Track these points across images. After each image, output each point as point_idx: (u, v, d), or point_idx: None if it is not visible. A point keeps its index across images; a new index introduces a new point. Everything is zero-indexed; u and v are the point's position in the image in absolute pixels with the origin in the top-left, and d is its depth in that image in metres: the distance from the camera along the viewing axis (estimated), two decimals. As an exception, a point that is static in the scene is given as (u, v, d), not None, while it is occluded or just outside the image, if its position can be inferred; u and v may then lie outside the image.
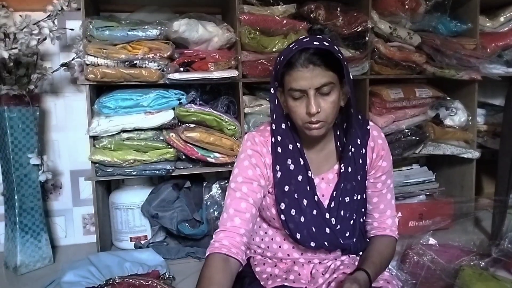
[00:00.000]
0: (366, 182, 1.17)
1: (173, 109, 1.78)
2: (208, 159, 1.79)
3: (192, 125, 1.78)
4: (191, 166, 1.85)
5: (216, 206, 1.88)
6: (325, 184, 1.15)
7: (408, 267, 1.57)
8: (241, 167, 1.12)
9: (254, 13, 1.86)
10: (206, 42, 1.81)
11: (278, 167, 1.11)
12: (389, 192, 1.19)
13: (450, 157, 2.20)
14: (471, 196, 2.22)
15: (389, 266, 1.37)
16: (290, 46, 1.04)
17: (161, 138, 1.78)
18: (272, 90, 1.11)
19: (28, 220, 1.74)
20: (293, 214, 1.10)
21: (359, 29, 1.94)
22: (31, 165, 1.73)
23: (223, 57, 1.80)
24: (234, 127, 1.80)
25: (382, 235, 1.19)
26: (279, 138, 1.12)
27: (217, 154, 1.80)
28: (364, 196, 1.18)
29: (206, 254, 1.05)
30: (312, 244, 1.11)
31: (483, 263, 1.58)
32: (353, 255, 1.20)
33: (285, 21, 1.86)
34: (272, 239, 1.20)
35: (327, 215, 1.11)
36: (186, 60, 1.77)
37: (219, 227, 1.07)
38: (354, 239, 1.15)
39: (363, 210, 1.19)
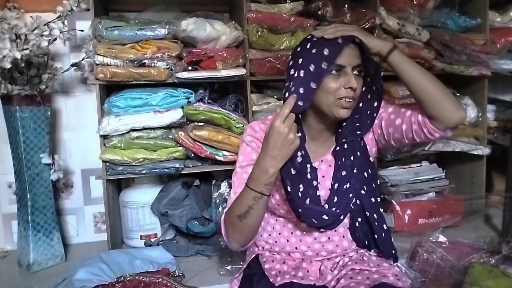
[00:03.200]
0: (383, 122, 1.20)
1: (182, 108, 1.79)
2: (217, 157, 1.80)
3: (200, 124, 1.79)
4: (200, 164, 1.86)
5: (225, 204, 1.88)
6: (324, 166, 1.19)
7: (418, 265, 1.57)
8: (244, 153, 1.19)
9: (261, 11, 1.86)
10: (214, 41, 1.82)
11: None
12: (394, 109, 1.21)
13: (460, 154, 2.18)
14: (481, 193, 2.20)
15: (398, 263, 1.37)
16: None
17: (170, 136, 1.79)
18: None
19: (40, 218, 1.76)
20: (300, 196, 1.12)
21: (367, 26, 1.93)
22: (43, 164, 1.75)
23: (231, 55, 1.80)
24: (242, 125, 1.80)
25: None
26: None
27: (225, 152, 1.81)
28: (366, 173, 1.19)
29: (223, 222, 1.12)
30: (315, 221, 1.12)
31: (493, 261, 1.56)
32: (362, 251, 1.21)
33: (292, 19, 1.86)
34: (279, 233, 1.22)
35: (328, 196, 1.15)
36: (194, 59, 1.78)
37: (226, 208, 1.14)
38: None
39: (369, 186, 1.19)
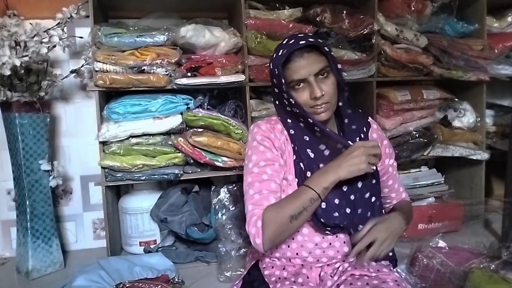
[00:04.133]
0: (378, 168, 1.24)
1: (181, 114, 1.79)
2: (216, 163, 1.80)
3: (199, 130, 1.80)
4: (199, 170, 1.86)
5: (224, 210, 1.88)
6: None
7: (418, 270, 1.57)
8: (257, 152, 1.17)
9: (260, 17, 1.87)
10: (213, 47, 1.83)
11: (300, 157, 1.17)
12: (395, 171, 1.34)
13: (459, 159, 2.18)
14: (480, 198, 2.20)
15: (398, 269, 1.37)
16: (280, 52, 1.13)
17: (169, 142, 1.79)
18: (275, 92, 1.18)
19: (39, 225, 1.76)
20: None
21: (365, 32, 1.95)
22: (42, 171, 1.75)
23: (230, 61, 1.81)
24: (241, 131, 1.81)
25: (400, 200, 1.36)
26: (291, 131, 1.18)
27: (225, 158, 1.81)
28: (374, 180, 1.21)
29: (259, 224, 1.08)
30: (335, 222, 1.13)
31: (493, 266, 1.56)
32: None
33: (291, 25, 1.87)
34: None
35: (350, 196, 1.15)
36: (193, 65, 1.78)
37: (254, 209, 1.10)
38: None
39: (377, 193, 1.22)
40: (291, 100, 1.13)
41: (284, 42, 1.16)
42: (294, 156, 1.18)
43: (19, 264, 1.78)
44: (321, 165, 1.15)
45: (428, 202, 2.14)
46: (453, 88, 2.24)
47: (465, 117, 2.21)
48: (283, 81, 1.12)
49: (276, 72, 1.13)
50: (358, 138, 1.21)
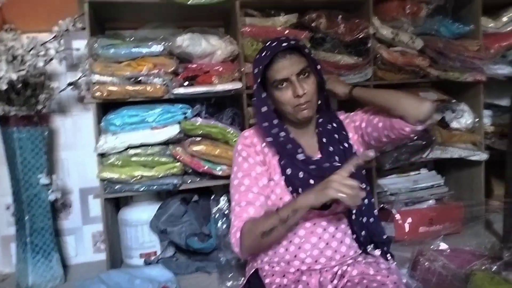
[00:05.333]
0: (363, 123, 1.32)
1: (179, 123, 1.79)
2: (215, 172, 1.80)
3: (198, 139, 1.79)
4: (198, 179, 1.85)
5: (224, 219, 1.88)
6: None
7: (420, 274, 1.56)
8: (237, 163, 1.27)
9: (256, 24, 1.88)
10: (210, 56, 1.83)
11: (280, 158, 1.24)
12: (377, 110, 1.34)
13: (458, 160, 2.18)
14: (481, 199, 2.19)
15: (400, 269, 1.37)
16: (263, 54, 1.21)
17: (168, 152, 1.79)
18: (257, 95, 1.25)
19: (39, 240, 1.75)
20: (301, 177, 1.21)
21: (361, 36, 1.95)
22: (41, 185, 1.74)
23: (226, 69, 1.81)
24: (239, 139, 1.80)
25: None
26: (273, 131, 1.23)
27: (223, 167, 1.81)
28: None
29: (237, 235, 1.18)
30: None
31: (495, 267, 1.56)
32: (359, 258, 1.20)
33: (287, 31, 1.87)
34: (278, 243, 1.22)
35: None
36: (190, 74, 1.78)
37: (234, 220, 1.19)
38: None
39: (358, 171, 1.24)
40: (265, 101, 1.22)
41: (267, 44, 1.23)
42: (278, 155, 1.25)
43: (19, 280, 1.77)
44: (298, 156, 1.23)
45: (428, 204, 2.14)
46: (450, 89, 2.24)
47: (463, 118, 2.20)
48: (258, 80, 1.20)
49: (256, 72, 1.21)
50: (336, 135, 1.29)
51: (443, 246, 1.68)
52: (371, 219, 1.27)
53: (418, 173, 2.24)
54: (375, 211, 1.30)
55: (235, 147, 1.30)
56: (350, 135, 1.33)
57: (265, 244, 1.17)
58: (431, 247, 1.66)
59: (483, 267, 1.56)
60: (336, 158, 1.24)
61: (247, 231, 1.15)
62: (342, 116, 1.39)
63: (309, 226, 1.20)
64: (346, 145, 1.29)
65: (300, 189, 1.18)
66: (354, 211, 1.22)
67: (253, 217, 1.17)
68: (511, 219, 1.84)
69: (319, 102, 1.28)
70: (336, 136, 1.30)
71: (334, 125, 1.32)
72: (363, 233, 1.23)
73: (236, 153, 1.28)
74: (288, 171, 1.21)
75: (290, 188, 1.20)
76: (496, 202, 2.17)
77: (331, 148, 1.26)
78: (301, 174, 1.21)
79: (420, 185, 2.16)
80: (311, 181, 1.19)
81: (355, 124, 1.34)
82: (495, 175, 2.40)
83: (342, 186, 1.04)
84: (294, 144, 1.24)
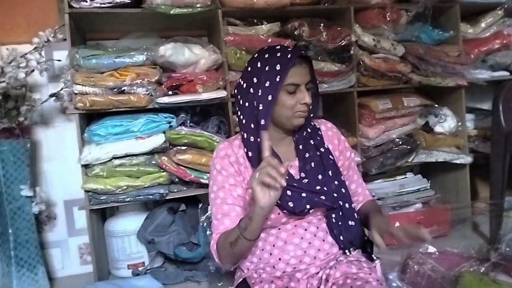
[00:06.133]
0: (344, 173, 1.33)
1: (164, 132, 1.78)
2: (202, 180, 1.79)
3: (183, 148, 1.79)
4: (185, 188, 1.84)
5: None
6: (294, 171, 1.26)
7: (409, 277, 1.57)
8: (212, 177, 1.27)
9: (239, 33, 1.89)
10: (193, 65, 1.83)
11: (252, 163, 1.24)
12: (356, 167, 1.43)
13: (443, 163, 2.20)
14: (467, 201, 2.22)
15: (390, 277, 1.37)
16: (288, 55, 1.20)
17: (153, 162, 1.78)
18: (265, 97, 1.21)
19: (24, 253, 1.72)
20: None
21: (343, 43, 1.97)
22: (24, 197, 1.71)
23: (211, 78, 1.81)
24: (225, 147, 1.80)
25: (368, 200, 1.41)
26: (251, 138, 1.23)
27: (210, 175, 1.80)
28: (332, 167, 1.28)
29: (214, 248, 1.20)
30: (301, 207, 1.19)
31: (483, 268, 1.57)
32: (341, 258, 1.21)
33: (270, 40, 1.89)
34: (262, 249, 1.23)
35: (304, 181, 1.23)
36: (174, 84, 1.78)
37: (212, 233, 1.22)
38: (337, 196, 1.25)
39: (338, 177, 1.28)
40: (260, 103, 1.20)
41: (286, 47, 1.24)
42: (251, 164, 1.25)
43: (3, 295, 1.73)
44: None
45: (415, 208, 2.15)
46: (433, 94, 2.27)
47: (446, 122, 2.24)
48: (277, 77, 1.18)
49: (278, 68, 1.18)
50: (311, 141, 1.31)
51: (431, 249, 1.68)
52: (351, 222, 1.26)
53: (405, 177, 2.25)
54: (355, 215, 1.29)
55: (212, 161, 1.30)
56: (331, 147, 1.34)
57: (238, 254, 1.17)
58: (420, 250, 1.67)
59: (471, 269, 1.58)
60: (312, 164, 1.26)
61: (221, 243, 1.17)
62: (323, 126, 1.40)
63: (291, 228, 1.22)
64: (322, 149, 1.30)
65: (278, 201, 1.15)
66: (333, 215, 1.23)
67: (228, 228, 1.18)
68: (497, 221, 1.86)
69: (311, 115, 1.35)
70: (311, 142, 1.31)
71: (309, 130, 1.34)
72: (341, 237, 1.23)
73: (211, 167, 1.29)
74: None
75: (277, 202, 1.16)
76: (482, 204, 2.19)
77: (307, 154, 1.28)
78: None
79: (407, 189, 2.17)
80: (288, 192, 1.19)
81: (340, 156, 1.36)
82: (480, 178, 2.44)
83: (262, 175, 1.01)
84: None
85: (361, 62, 2.02)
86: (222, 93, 1.80)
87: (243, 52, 1.85)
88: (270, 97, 1.19)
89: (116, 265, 1.87)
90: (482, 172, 2.29)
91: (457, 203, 2.23)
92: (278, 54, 1.22)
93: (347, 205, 1.25)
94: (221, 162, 1.26)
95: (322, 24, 1.97)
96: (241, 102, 1.25)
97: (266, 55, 1.24)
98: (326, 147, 1.32)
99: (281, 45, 1.26)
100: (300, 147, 1.29)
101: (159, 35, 2.02)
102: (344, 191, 1.26)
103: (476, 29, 2.32)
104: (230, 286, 1.61)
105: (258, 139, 1.21)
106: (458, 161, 2.19)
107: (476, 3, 2.23)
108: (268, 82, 1.20)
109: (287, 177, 1.18)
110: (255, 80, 1.22)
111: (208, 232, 1.86)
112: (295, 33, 1.94)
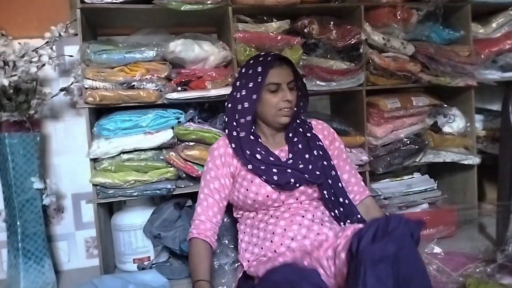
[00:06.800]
0: (335, 162, 1.48)
1: (172, 128, 1.79)
2: (209, 176, 1.79)
3: (191, 143, 1.79)
4: (192, 184, 1.85)
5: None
6: (283, 154, 1.45)
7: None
8: (203, 176, 1.51)
9: (248, 30, 1.88)
10: (203, 61, 1.83)
11: (244, 155, 1.40)
12: (349, 160, 1.59)
13: (451, 164, 2.19)
14: (474, 202, 2.20)
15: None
16: (268, 57, 1.42)
17: (161, 157, 1.79)
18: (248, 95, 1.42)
19: (31, 245, 1.73)
20: (263, 168, 1.37)
21: (353, 42, 1.96)
22: (33, 190, 1.73)
23: (220, 75, 1.82)
24: (233, 143, 1.80)
25: (366, 197, 1.54)
26: (233, 133, 1.45)
27: (217, 171, 1.80)
28: (321, 151, 1.45)
29: (189, 238, 1.43)
30: (285, 181, 1.34)
31: (489, 270, 1.56)
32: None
33: (279, 37, 1.89)
34: (263, 239, 1.34)
35: (289, 162, 1.40)
36: (183, 80, 1.79)
37: (194, 218, 1.44)
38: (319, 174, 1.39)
39: (328, 161, 1.45)
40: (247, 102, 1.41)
41: (261, 55, 1.46)
42: (245, 159, 1.40)
43: (10, 286, 1.74)
44: (258, 157, 1.39)
45: (422, 208, 2.14)
46: (442, 94, 2.26)
47: (455, 123, 2.22)
48: (259, 78, 1.37)
49: (260, 70, 1.38)
50: (300, 129, 1.49)
51: (437, 249, 1.68)
52: (346, 200, 1.41)
53: (412, 177, 2.24)
54: (347, 194, 1.45)
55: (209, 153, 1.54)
56: (320, 136, 1.50)
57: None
58: (426, 250, 1.66)
59: (477, 270, 1.57)
60: (300, 146, 1.43)
61: (190, 247, 1.42)
62: (316, 122, 1.56)
63: (288, 216, 1.33)
64: (309, 134, 1.47)
65: (264, 176, 1.35)
66: (325, 192, 1.38)
67: (198, 215, 1.43)
68: (504, 223, 1.85)
69: (302, 111, 1.54)
70: (300, 129, 1.48)
71: (298, 121, 1.50)
72: (337, 211, 1.37)
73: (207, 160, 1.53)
74: (250, 166, 1.37)
75: (258, 174, 1.36)
76: (489, 206, 2.18)
77: (295, 139, 1.45)
78: (262, 167, 1.37)
79: (414, 189, 2.16)
80: (274, 169, 1.36)
81: (330, 146, 1.52)
82: (488, 179, 2.42)
83: None
84: (254, 144, 1.42)
85: (370, 61, 2.01)
86: (230, 90, 1.80)
87: (253, 49, 1.85)
88: (254, 96, 1.38)
89: (122, 259, 1.89)
90: (490, 174, 2.27)
91: (464, 204, 2.22)
92: (260, 59, 1.41)
93: (338, 184, 1.41)
94: (211, 154, 1.48)
95: (332, 22, 1.96)
96: (227, 105, 1.49)
97: (251, 61, 1.44)
98: (314, 133, 1.47)
99: (265, 53, 1.46)
100: (290, 134, 1.47)
101: (169, 31, 2.02)
102: (333, 173, 1.42)
103: (487, 29, 2.30)
104: (234, 282, 1.62)
105: (236, 133, 1.43)
106: (466, 162, 2.18)
107: (487, 3, 2.21)
108: (251, 83, 1.39)
109: (272, 158, 1.39)
110: (237, 83, 1.45)
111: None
112: (305, 30, 1.93)
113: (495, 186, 2.03)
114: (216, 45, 1.85)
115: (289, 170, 1.35)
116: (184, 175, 1.81)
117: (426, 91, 2.29)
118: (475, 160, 2.18)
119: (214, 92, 1.78)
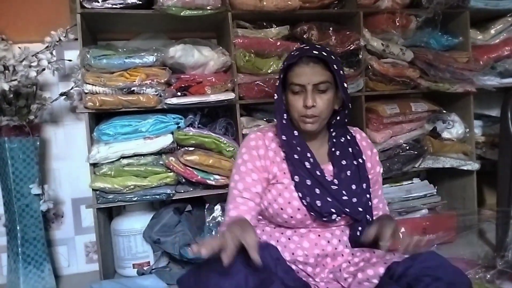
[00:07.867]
0: (370, 176, 1.27)
1: (172, 133, 1.79)
2: (208, 181, 1.80)
3: (191, 149, 1.80)
4: (191, 189, 1.85)
5: (218, 228, 1.87)
6: (326, 175, 1.22)
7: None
8: (236, 166, 1.24)
9: (248, 36, 1.89)
10: (202, 66, 1.84)
11: (288, 161, 1.21)
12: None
13: (450, 169, 2.19)
14: (473, 208, 2.20)
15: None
16: (293, 52, 1.20)
17: (161, 162, 1.79)
18: (277, 93, 1.23)
19: (31, 250, 1.73)
20: (308, 185, 1.18)
21: (352, 48, 1.97)
22: (33, 195, 1.73)
23: (219, 80, 1.82)
24: (232, 148, 1.81)
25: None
26: (283, 137, 1.21)
27: (217, 176, 1.81)
28: (364, 184, 1.24)
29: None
30: (326, 212, 1.16)
31: (488, 276, 1.56)
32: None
33: (279, 43, 1.90)
34: (285, 246, 1.21)
35: (333, 187, 1.19)
36: (183, 85, 1.79)
37: (229, 211, 1.18)
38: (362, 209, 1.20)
39: (367, 195, 1.24)
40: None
41: (301, 46, 1.27)
42: (286, 160, 1.22)
43: (10, 291, 1.75)
44: (307, 165, 1.19)
45: (421, 214, 2.14)
46: (441, 100, 2.26)
47: (454, 128, 2.23)
48: (281, 76, 1.20)
49: (282, 66, 1.20)
50: (349, 149, 1.27)
51: (436, 255, 1.67)
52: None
53: (411, 183, 2.24)
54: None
55: (240, 149, 1.25)
56: (364, 157, 1.29)
57: None
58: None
59: (477, 276, 1.57)
60: (348, 173, 1.22)
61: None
62: (358, 135, 1.35)
63: (314, 238, 1.20)
64: (360, 160, 1.26)
65: (307, 198, 1.16)
66: (360, 228, 1.21)
67: (229, 219, 1.16)
68: (503, 228, 1.84)
69: (338, 118, 1.26)
70: (350, 149, 1.27)
71: (348, 137, 1.29)
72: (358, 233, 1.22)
73: (238, 154, 1.25)
74: (296, 178, 1.18)
75: (300, 194, 1.17)
76: (489, 211, 2.18)
77: (343, 162, 1.24)
78: (308, 182, 1.18)
79: (413, 195, 2.16)
80: (317, 190, 1.17)
81: (371, 171, 1.31)
82: (487, 185, 2.42)
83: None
84: (304, 148, 1.22)
85: (369, 67, 2.02)
86: (230, 95, 1.81)
87: (252, 54, 1.86)
88: (275, 96, 1.23)
89: (121, 264, 1.88)
90: (489, 179, 2.28)
91: (464, 210, 2.22)
92: (292, 53, 1.20)
93: (372, 217, 1.25)
94: (249, 153, 1.22)
95: (331, 28, 1.98)
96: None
97: (292, 51, 1.23)
98: (364, 158, 1.27)
99: (307, 44, 1.28)
100: (337, 153, 1.25)
101: (169, 37, 2.03)
102: (370, 203, 1.24)
103: (486, 35, 2.31)
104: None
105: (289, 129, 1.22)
106: (465, 168, 2.19)
107: (486, 10, 2.22)
108: (278, 81, 1.23)
109: (319, 173, 1.19)
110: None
111: (214, 233, 1.87)
112: (304, 36, 1.94)
113: (494, 192, 2.03)
114: (216, 51, 1.85)
115: (329, 199, 1.17)
116: (183, 180, 1.82)
117: (425, 97, 2.30)
118: (474, 165, 2.19)
119: (213, 97, 1.78)
